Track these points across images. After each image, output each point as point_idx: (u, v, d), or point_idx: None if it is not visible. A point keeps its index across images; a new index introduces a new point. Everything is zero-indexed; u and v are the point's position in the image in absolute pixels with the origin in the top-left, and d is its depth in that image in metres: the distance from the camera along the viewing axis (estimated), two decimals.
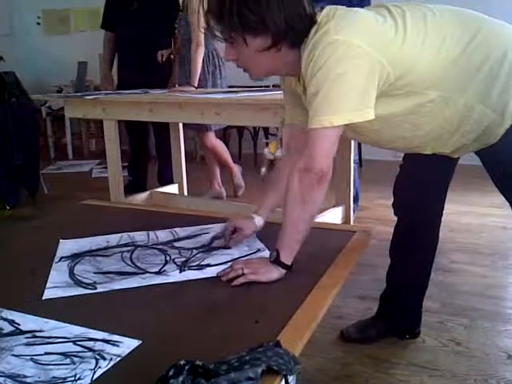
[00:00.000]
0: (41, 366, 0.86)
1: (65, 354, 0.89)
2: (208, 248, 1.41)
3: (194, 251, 1.39)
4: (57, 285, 1.20)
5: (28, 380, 0.82)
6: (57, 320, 1.01)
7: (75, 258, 1.37)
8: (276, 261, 1.21)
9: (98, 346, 0.91)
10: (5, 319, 1.02)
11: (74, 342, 0.92)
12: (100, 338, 0.94)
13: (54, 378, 0.82)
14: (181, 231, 1.55)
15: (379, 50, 1.18)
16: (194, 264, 1.30)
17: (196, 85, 3.27)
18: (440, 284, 2.32)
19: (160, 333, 0.97)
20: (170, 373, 0.75)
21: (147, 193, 3.50)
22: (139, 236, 1.52)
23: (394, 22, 1.23)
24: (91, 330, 0.96)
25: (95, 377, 0.82)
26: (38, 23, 6.67)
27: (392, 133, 1.36)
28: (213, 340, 0.94)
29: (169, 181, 3.69)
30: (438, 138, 1.36)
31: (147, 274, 1.25)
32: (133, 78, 3.71)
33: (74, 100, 2.94)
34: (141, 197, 3.41)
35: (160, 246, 1.43)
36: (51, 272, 1.27)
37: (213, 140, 3.59)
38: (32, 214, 3.59)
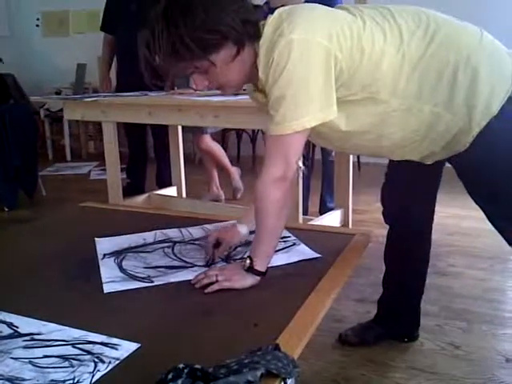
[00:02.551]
0: (39, 369, 0.85)
1: (63, 357, 0.88)
2: (244, 243, 1.42)
3: (233, 246, 1.41)
4: (113, 279, 1.22)
5: (26, 383, 0.82)
6: (55, 323, 1.00)
7: (118, 254, 1.38)
8: (250, 269, 1.18)
9: (97, 349, 0.91)
10: (3, 322, 1.02)
11: (73, 345, 0.92)
12: (99, 340, 0.94)
13: (52, 381, 0.82)
14: (212, 227, 1.56)
15: (335, 43, 1.14)
16: (237, 257, 1.34)
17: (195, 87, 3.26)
18: (438, 287, 2.32)
19: (158, 336, 0.97)
20: (169, 376, 0.75)
21: (146, 195, 3.50)
22: (172, 233, 1.54)
23: (353, 18, 1.20)
24: (90, 333, 0.96)
25: (94, 380, 0.82)
26: (37, 25, 6.67)
27: (357, 142, 1.33)
28: (211, 343, 0.94)
29: (167, 183, 3.69)
30: (404, 146, 1.33)
31: (196, 268, 1.28)
32: (132, 81, 3.70)
33: (72, 102, 2.94)
34: (139, 199, 3.41)
35: (197, 242, 1.46)
36: (101, 268, 1.28)
37: (208, 142, 3.59)
38: (30, 216, 3.58)
